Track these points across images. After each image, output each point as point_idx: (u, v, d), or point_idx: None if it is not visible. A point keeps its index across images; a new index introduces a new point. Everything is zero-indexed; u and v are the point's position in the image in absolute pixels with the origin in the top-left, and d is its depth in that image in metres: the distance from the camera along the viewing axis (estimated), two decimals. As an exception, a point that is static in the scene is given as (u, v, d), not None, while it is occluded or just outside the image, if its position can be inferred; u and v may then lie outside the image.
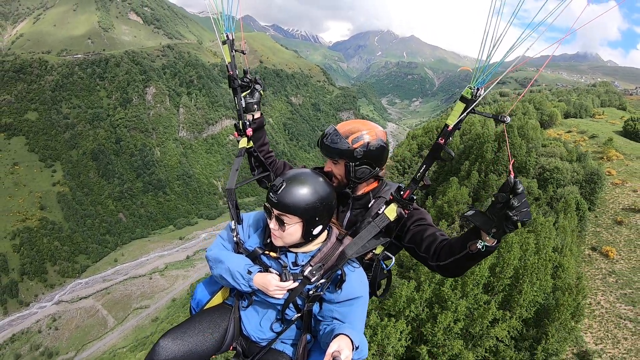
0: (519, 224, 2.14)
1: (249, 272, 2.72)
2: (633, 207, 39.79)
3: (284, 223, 2.57)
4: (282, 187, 2.52)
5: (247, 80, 3.53)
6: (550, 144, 50.35)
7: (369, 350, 17.48)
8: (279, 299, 2.71)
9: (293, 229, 2.61)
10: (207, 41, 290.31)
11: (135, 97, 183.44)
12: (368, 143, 2.89)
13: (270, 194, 2.55)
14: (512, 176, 2.13)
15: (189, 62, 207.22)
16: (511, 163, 2.33)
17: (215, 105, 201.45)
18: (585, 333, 27.61)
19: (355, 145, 2.87)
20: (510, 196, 2.13)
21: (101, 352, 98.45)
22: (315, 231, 2.68)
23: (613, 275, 32.67)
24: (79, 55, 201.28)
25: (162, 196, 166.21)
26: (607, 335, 27.40)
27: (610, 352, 25.77)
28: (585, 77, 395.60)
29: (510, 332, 21.83)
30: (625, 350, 25.83)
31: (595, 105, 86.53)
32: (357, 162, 2.90)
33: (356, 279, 2.69)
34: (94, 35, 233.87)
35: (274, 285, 2.66)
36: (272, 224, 2.62)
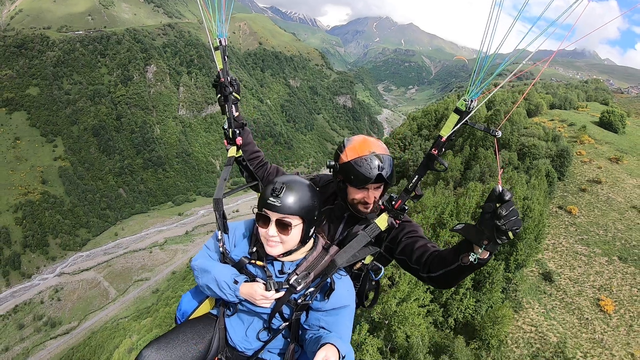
0: (510, 233, 2.09)
1: (236, 282, 2.74)
2: (596, 179, 49.48)
3: (288, 226, 2.56)
4: (284, 190, 2.52)
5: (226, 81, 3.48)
6: (531, 126, 59.98)
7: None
8: (265, 308, 2.75)
9: (297, 231, 2.62)
10: (207, 21, 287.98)
11: (136, 75, 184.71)
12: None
13: (271, 198, 2.52)
14: (499, 185, 2.10)
15: (189, 42, 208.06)
16: (500, 173, 2.29)
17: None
18: (549, 261, 38.43)
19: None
20: (498, 205, 2.09)
21: (103, 321, 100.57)
22: (311, 232, 2.74)
23: (574, 226, 42.90)
24: (80, 32, 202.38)
25: (162, 173, 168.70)
26: (566, 263, 38.22)
27: (567, 274, 36.90)
28: (581, 74, 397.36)
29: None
30: (578, 274, 36.90)
31: (580, 99, 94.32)
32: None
33: (343, 288, 2.73)
34: (94, 12, 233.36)
35: (259, 294, 2.65)
36: (272, 231, 2.58)
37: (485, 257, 2.29)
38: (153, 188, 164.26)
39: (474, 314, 30.41)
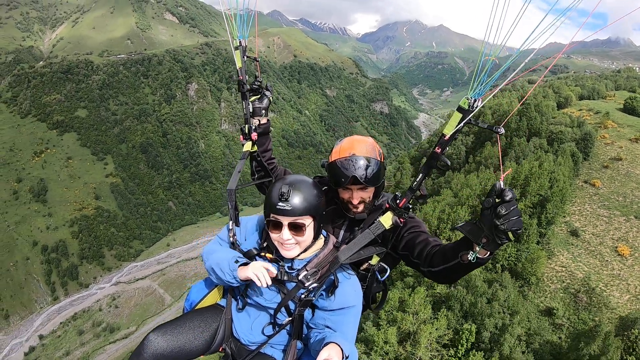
0: (510, 234, 2.06)
1: (236, 262, 2.69)
2: (617, 157, 56.02)
3: (302, 227, 2.57)
4: (291, 192, 2.50)
5: (257, 84, 3.58)
6: (559, 116, 67.35)
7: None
8: (265, 300, 2.74)
9: (310, 230, 2.62)
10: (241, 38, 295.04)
11: (179, 93, 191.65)
12: (380, 151, 2.99)
13: (280, 204, 2.51)
14: (501, 181, 2.08)
15: (227, 59, 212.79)
16: (502, 171, 2.30)
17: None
18: (575, 222, 46.81)
19: (382, 159, 2.96)
20: (497, 200, 2.07)
21: None
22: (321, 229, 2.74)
23: (597, 195, 50.73)
24: (122, 55, 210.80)
25: (209, 185, 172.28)
26: (590, 223, 46.56)
27: (591, 231, 45.18)
28: (617, 63, 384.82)
29: (525, 209, 40.84)
30: (600, 230, 45.03)
31: (608, 89, 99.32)
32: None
33: (350, 288, 2.70)
34: (133, 36, 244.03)
35: (259, 266, 2.58)
36: (287, 234, 2.57)
37: (485, 257, 2.28)
38: (201, 200, 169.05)
39: (515, 262, 38.34)
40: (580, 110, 75.22)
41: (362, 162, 2.79)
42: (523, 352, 27.72)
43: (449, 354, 25.09)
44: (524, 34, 1.97)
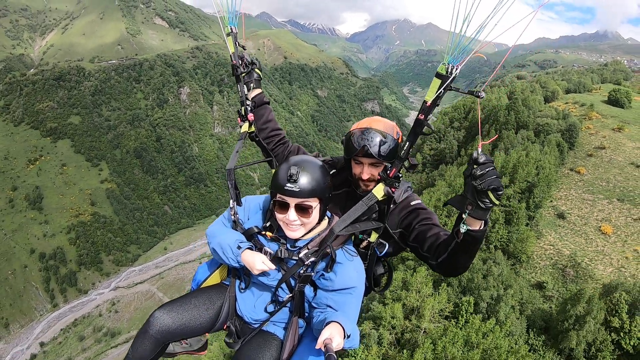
0: (491, 194, 2.13)
1: (239, 247, 2.78)
2: (601, 146, 59.39)
3: (309, 209, 2.61)
4: (299, 174, 2.53)
5: (247, 61, 3.73)
6: (545, 109, 71.42)
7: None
8: (267, 277, 2.85)
9: (316, 212, 2.68)
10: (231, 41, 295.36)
11: (171, 98, 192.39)
12: (401, 135, 3.05)
13: (288, 185, 2.53)
14: (479, 149, 2.14)
15: (218, 62, 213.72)
16: (479, 139, 2.34)
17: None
18: (562, 206, 50.61)
19: (400, 140, 2.99)
20: (475, 167, 2.14)
21: None
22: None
23: (582, 182, 54.21)
24: (114, 61, 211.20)
25: (204, 188, 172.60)
26: (575, 206, 50.48)
27: (576, 213, 49.10)
28: (605, 57, 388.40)
29: (514, 194, 44.42)
30: (585, 212, 48.93)
31: (594, 82, 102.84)
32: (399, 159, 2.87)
33: (352, 269, 2.74)
34: (123, 42, 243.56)
35: (259, 262, 2.68)
36: (293, 215, 2.61)
37: (477, 228, 2.30)
38: (197, 203, 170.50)
39: (507, 242, 41.68)
40: (567, 103, 78.66)
41: (376, 136, 2.89)
42: (517, 318, 30.75)
43: (451, 324, 27.30)
44: (503, 24, 2.03)
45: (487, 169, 2.10)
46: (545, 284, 39.26)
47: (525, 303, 33.99)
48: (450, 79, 2.32)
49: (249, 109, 3.69)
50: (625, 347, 29.09)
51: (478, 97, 2.25)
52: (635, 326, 28.93)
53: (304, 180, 2.50)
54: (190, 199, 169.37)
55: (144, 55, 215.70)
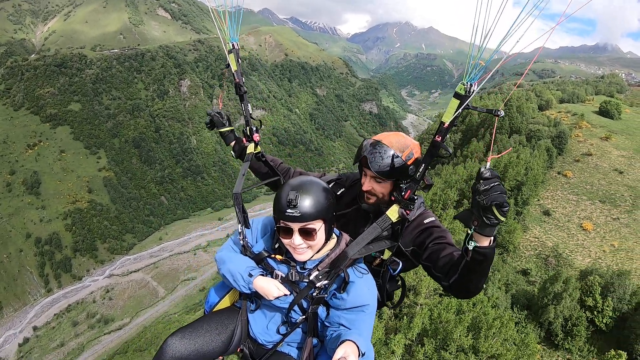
0: (495, 209, 2.09)
1: (250, 275, 2.78)
2: (588, 153, 63.96)
3: (312, 232, 2.58)
4: (298, 198, 2.49)
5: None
6: (538, 116, 75.90)
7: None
8: (279, 302, 2.78)
9: (321, 233, 2.64)
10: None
11: (172, 89, 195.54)
12: (417, 159, 2.91)
13: (289, 210, 2.49)
14: (487, 163, 2.17)
15: (219, 56, 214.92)
16: (490, 153, 2.38)
17: (245, 96, 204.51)
18: (548, 204, 55.53)
19: (409, 162, 2.86)
20: (480, 181, 2.13)
21: (155, 317, 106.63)
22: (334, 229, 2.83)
23: (568, 184, 58.87)
24: (116, 50, 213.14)
25: (201, 181, 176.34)
26: (560, 205, 55.39)
27: (561, 211, 54.06)
28: (603, 69, 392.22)
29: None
30: (569, 210, 54.00)
31: (587, 94, 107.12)
32: (408, 180, 2.82)
33: (364, 286, 2.69)
34: (125, 31, 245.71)
35: (274, 293, 2.70)
36: (298, 240, 2.59)
37: (486, 245, 2.30)
38: (193, 195, 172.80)
39: (496, 233, 44.11)
40: (559, 112, 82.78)
41: (382, 151, 2.86)
42: (503, 296, 34.95)
43: (446, 300, 30.28)
44: (507, 33, 1.96)
45: (491, 184, 2.09)
46: (529, 271, 44.17)
47: (511, 284, 38.54)
48: (470, 98, 2.29)
49: (255, 128, 3.71)
50: (598, 324, 33.58)
51: (497, 115, 2.23)
52: (607, 306, 33.27)
53: (304, 204, 2.49)
54: (187, 190, 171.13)
55: (146, 46, 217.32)
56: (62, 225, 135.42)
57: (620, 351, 28.44)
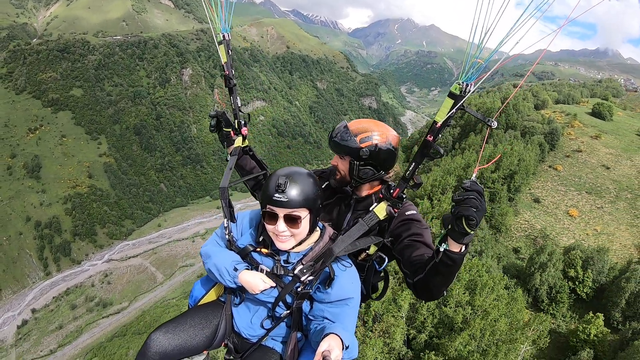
0: (463, 220, 2.11)
1: (235, 269, 2.79)
2: (578, 149, 69.56)
3: (297, 220, 2.60)
4: (287, 184, 2.52)
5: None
6: (533, 114, 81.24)
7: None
8: (265, 296, 2.80)
9: (306, 223, 2.67)
10: (236, 26, 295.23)
11: (173, 78, 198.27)
12: (376, 145, 2.96)
13: (276, 195, 2.53)
14: (473, 174, 2.21)
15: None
16: (477, 163, 2.50)
17: (247, 87, 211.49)
18: (538, 193, 61.40)
19: (362, 145, 2.94)
20: (461, 189, 2.15)
21: (153, 302, 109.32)
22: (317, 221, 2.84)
23: (558, 177, 64.71)
24: (119, 37, 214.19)
25: (200, 169, 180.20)
26: (549, 194, 61.38)
27: (550, 199, 60.19)
28: (602, 74, 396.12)
29: (498, 178, 54.85)
30: (557, 199, 60.25)
31: (583, 96, 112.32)
32: (362, 162, 2.99)
33: (347, 280, 2.72)
34: (128, 18, 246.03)
35: (260, 286, 2.72)
36: (282, 226, 2.62)
37: (456, 251, 2.31)
38: (192, 183, 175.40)
39: (490, 217, 51.19)
40: (554, 112, 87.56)
41: (342, 129, 3.01)
42: (496, 266, 39.67)
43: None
44: (507, 33, 1.98)
45: (465, 197, 2.10)
46: (519, 249, 49.79)
47: (502, 257, 43.75)
48: (465, 98, 2.26)
49: (243, 122, 3.74)
50: (579, 293, 39.47)
51: (490, 126, 2.22)
52: (587, 277, 38.91)
53: (293, 191, 2.53)
54: (186, 178, 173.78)
55: (149, 34, 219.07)
56: (62, 209, 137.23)
57: (599, 313, 33.34)
